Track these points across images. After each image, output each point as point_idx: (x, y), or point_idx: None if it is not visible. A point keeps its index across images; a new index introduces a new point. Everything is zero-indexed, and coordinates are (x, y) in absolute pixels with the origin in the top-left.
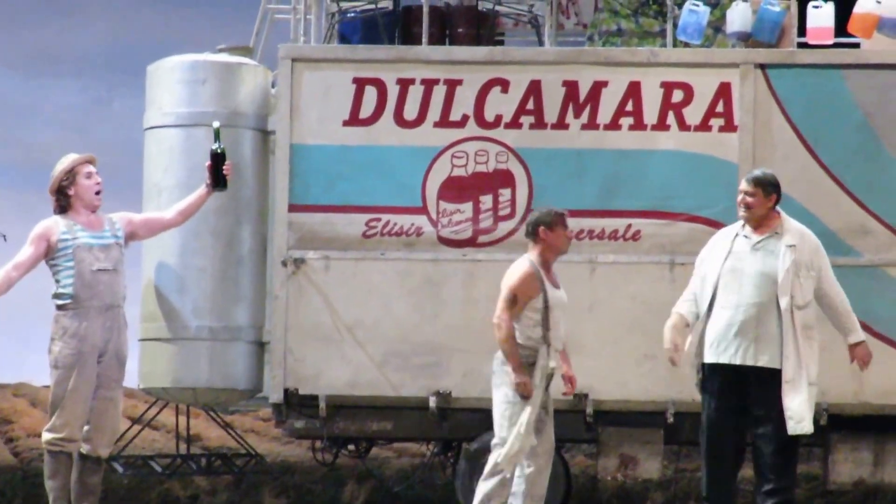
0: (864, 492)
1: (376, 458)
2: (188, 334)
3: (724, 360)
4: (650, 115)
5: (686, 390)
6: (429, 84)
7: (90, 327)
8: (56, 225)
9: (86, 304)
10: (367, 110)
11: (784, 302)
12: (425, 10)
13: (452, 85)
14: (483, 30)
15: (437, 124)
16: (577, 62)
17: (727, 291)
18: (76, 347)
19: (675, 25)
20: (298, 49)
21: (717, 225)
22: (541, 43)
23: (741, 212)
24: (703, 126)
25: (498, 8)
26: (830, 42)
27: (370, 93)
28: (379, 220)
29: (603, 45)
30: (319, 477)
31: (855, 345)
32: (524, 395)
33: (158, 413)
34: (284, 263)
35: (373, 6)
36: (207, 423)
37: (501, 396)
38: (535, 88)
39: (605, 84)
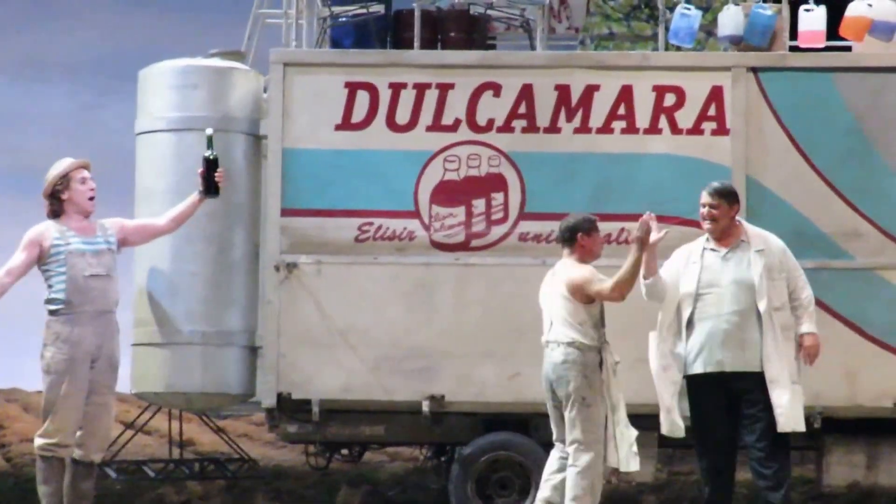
0: (858, 494)
1: (369, 463)
2: (181, 339)
3: (711, 369)
4: (642, 118)
5: (680, 394)
6: (421, 88)
7: (82, 333)
8: (48, 230)
9: (78, 309)
10: (359, 115)
11: (763, 306)
12: (417, 14)
13: (444, 89)
14: (475, 34)
15: (429, 128)
16: (569, 66)
17: (706, 304)
18: (69, 353)
19: (666, 29)
20: (290, 53)
21: None
22: (532, 47)
23: (707, 225)
24: (695, 130)
25: (489, 12)
26: (822, 45)
27: (362, 97)
28: (371, 224)
29: (595, 48)
30: (312, 481)
31: (805, 335)
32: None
33: (151, 418)
34: (277, 268)
35: (364, 10)
36: (200, 427)
37: (579, 400)
38: (526, 92)
39: (596, 88)
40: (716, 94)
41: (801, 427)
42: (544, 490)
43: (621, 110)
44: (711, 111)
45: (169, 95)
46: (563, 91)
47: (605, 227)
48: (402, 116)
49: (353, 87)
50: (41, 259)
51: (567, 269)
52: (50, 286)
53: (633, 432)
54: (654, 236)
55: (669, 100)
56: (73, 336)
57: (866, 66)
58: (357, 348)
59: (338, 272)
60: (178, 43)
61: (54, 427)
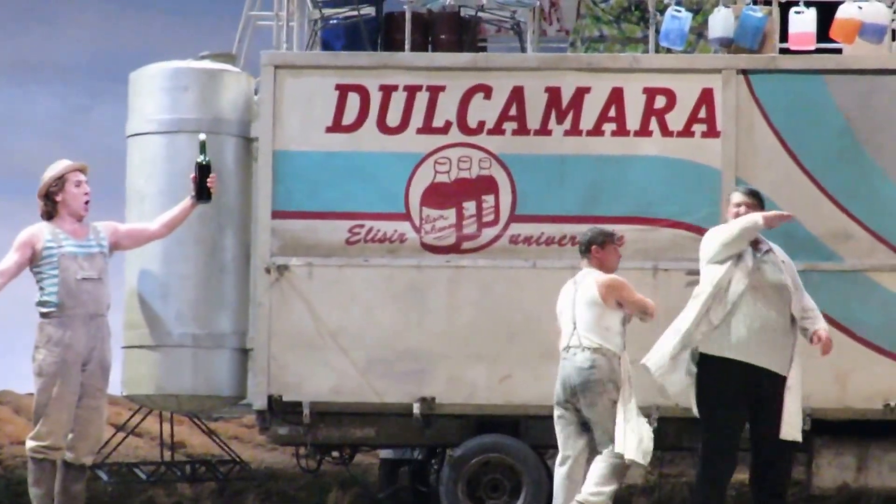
0: (847, 496)
1: (360, 465)
2: (171, 341)
3: (748, 359)
4: (633, 121)
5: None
6: (411, 90)
7: (74, 336)
8: (41, 232)
9: (70, 312)
10: (349, 117)
11: (796, 312)
12: (408, 16)
13: (435, 91)
14: (465, 36)
15: (419, 131)
16: (560, 68)
17: (752, 301)
18: (60, 356)
19: (657, 31)
20: (281, 56)
21: (700, 231)
22: (523, 49)
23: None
24: (686, 132)
25: (480, 14)
26: (812, 47)
27: (353, 99)
28: (362, 226)
29: (585, 51)
30: (303, 484)
31: (821, 329)
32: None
33: (142, 420)
34: (268, 270)
35: (355, 13)
36: (191, 430)
37: (607, 404)
38: (517, 95)
39: (587, 90)
40: (706, 97)
41: (798, 438)
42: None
43: (612, 112)
44: (702, 113)
45: (160, 97)
46: (553, 93)
47: None
48: (393, 118)
49: (343, 90)
50: (33, 261)
51: (595, 275)
52: (42, 288)
53: (647, 427)
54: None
55: (660, 102)
56: (65, 339)
57: (857, 69)
58: (348, 350)
59: (329, 274)
60: (170, 45)
61: (46, 430)
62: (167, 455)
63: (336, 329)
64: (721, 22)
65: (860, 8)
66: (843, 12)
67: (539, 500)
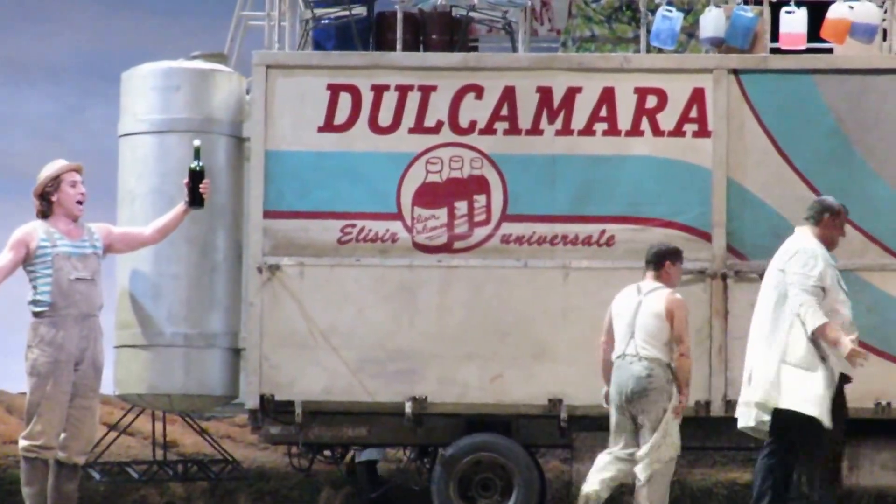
0: (840, 494)
1: (352, 463)
2: (163, 341)
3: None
4: (624, 120)
5: None
6: (403, 90)
7: (67, 336)
8: (35, 231)
9: (63, 312)
10: (341, 117)
11: None
12: (399, 16)
13: (427, 91)
14: (457, 36)
15: (411, 130)
16: (551, 68)
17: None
18: (53, 355)
19: (648, 31)
20: (273, 56)
21: (691, 230)
22: (514, 49)
23: (839, 238)
24: (677, 131)
25: (472, 14)
26: (803, 47)
27: (344, 99)
28: (354, 226)
29: (577, 51)
30: (295, 483)
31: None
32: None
33: (134, 420)
34: (259, 270)
35: (347, 13)
36: (183, 429)
37: (660, 412)
38: (509, 94)
39: (578, 90)
40: (697, 96)
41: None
42: (593, 483)
43: (603, 112)
44: (693, 113)
45: (151, 97)
46: (544, 93)
47: (586, 228)
48: (385, 118)
49: (335, 89)
50: (27, 259)
51: (665, 291)
52: (35, 287)
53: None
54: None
55: (651, 102)
56: (58, 339)
57: (847, 68)
58: (340, 350)
59: (320, 274)
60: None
61: (38, 429)
62: (159, 454)
63: (328, 328)
64: (712, 22)
65: (851, 8)
66: (833, 12)
67: (530, 499)
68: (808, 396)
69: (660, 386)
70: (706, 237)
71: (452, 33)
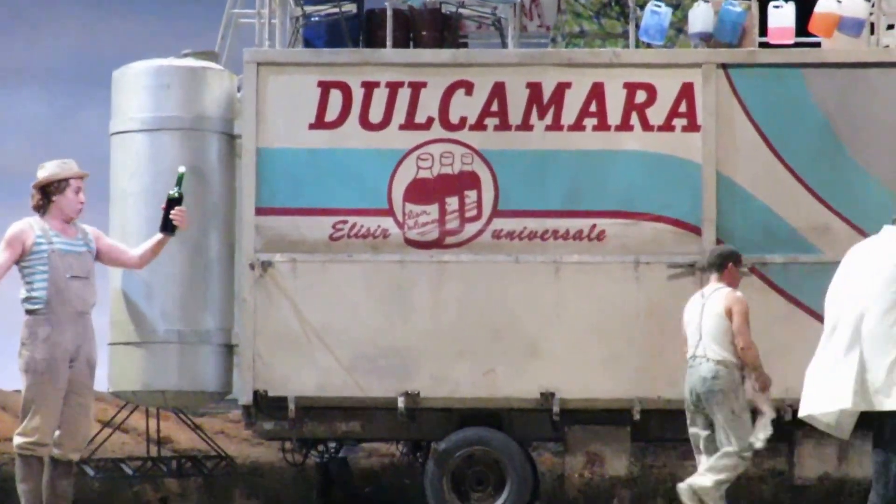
0: (829, 486)
1: (358, 457)
2: (157, 338)
3: None
4: (613, 115)
5: (652, 389)
6: (393, 87)
7: (62, 333)
8: (31, 228)
9: (58, 310)
10: (332, 113)
11: None
12: (389, 13)
13: (417, 87)
14: (447, 33)
15: (402, 127)
16: (541, 64)
17: None
18: (48, 353)
19: (637, 27)
20: (263, 53)
21: (680, 225)
22: (504, 45)
23: None
24: (667, 126)
25: (461, 11)
26: (791, 42)
27: (335, 96)
28: (345, 222)
29: (566, 46)
30: (289, 478)
31: None
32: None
33: (129, 416)
34: (252, 267)
35: (337, 10)
36: (177, 425)
37: (728, 413)
38: (499, 90)
39: (568, 85)
40: (686, 91)
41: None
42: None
43: (593, 107)
44: (682, 108)
45: (143, 96)
46: (534, 89)
47: (577, 223)
48: (376, 115)
49: (326, 87)
50: (22, 256)
51: (725, 291)
52: (29, 283)
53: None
54: None
55: (640, 97)
56: (52, 336)
57: (836, 63)
58: (332, 346)
59: (313, 270)
60: (153, 46)
61: (33, 426)
62: (154, 450)
63: (320, 325)
64: (701, 17)
65: (838, 2)
66: (821, 6)
67: (523, 493)
68: None
69: (726, 387)
70: (696, 231)
71: (442, 30)
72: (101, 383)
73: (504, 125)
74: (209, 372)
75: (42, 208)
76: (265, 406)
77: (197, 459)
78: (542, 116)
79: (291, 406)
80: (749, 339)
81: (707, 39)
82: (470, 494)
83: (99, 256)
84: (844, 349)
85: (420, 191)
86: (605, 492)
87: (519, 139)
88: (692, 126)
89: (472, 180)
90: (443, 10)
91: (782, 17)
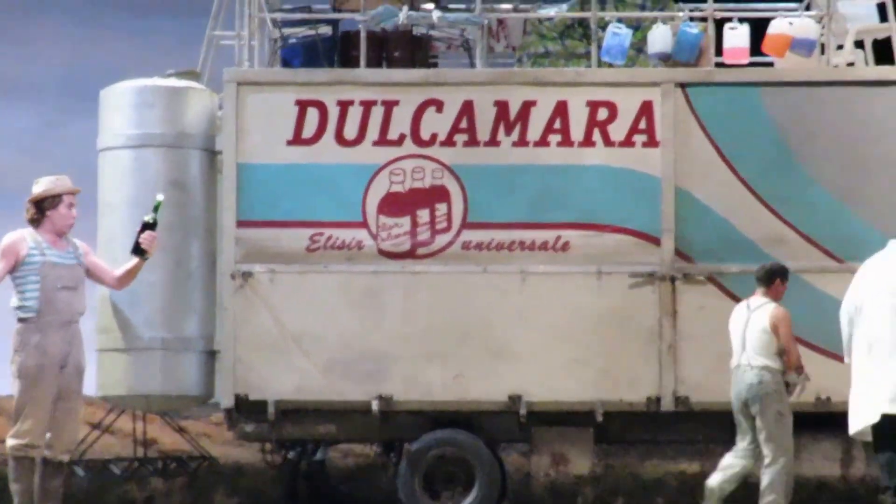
0: None
1: (330, 458)
2: (142, 345)
3: None
4: (577, 132)
5: (614, 392)
6: (367, 105)
7: (51, 341)
8: (24, 240)
9: (48, 318)
10: (309, 130)
11: None
12: (363, 35)
13: (390, 106)
14: (418, 53)
15: (375, 143)
16: (508, 83)
17: None
18: (38, 359)
19: (599, 47)
20: (243, 73)
21: (641, 236)
22: (473, 65)
23: None
24: (627, 142)
25: (432, 32)
26: (746, 61)
27: (312, 114)
28: (322, 234)
29: (531, 66)
30: (269, 478)
31: None
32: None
33: (116, 419)
34: (232, 277)
35: (313, 32)
36: (162, 428)
37: (774, 414)
38: (468, 108)
39: (533, 103)
40: (646, 109)
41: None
42: (717, 477)
43: (557, 124)
44: (642, 124)
45: (128, 113)
46: (502, 106)
47: (542, 234)
48: (350, 132)
49: (303, 105)
50: (15, 266)
51: (771, 306)
52: (21, 292)
53: None
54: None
55: (602, 114)
56: (43, 344)
57: (788, 81)
58: (310, 352)
59: (291, 280)
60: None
61: (25, 429)
62: (140, 452)
63: (298, 332)
64: (660, 38)
65: (790, 24)
66: (774, 28)
67: (492, 491)
68: None
69: (770, 391)
70: (656, 242)
71: (414, 51)
72: (90, 388)
73: (473, 141)
74: (192, 377)
75: (36, 221)
76: (246, 409)
77: (181, 460)
78: (508, 133)
79: (271, 409)
80: (797, 352)
81: (666, 59)
82: (441, 492)
83: (84, 271)
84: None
85: (393, 204)
86: (569, 490)
87: (487, 154)
88: (652, 142)
89: (442, 194)
90: (414, 32)
91: (737, 38)
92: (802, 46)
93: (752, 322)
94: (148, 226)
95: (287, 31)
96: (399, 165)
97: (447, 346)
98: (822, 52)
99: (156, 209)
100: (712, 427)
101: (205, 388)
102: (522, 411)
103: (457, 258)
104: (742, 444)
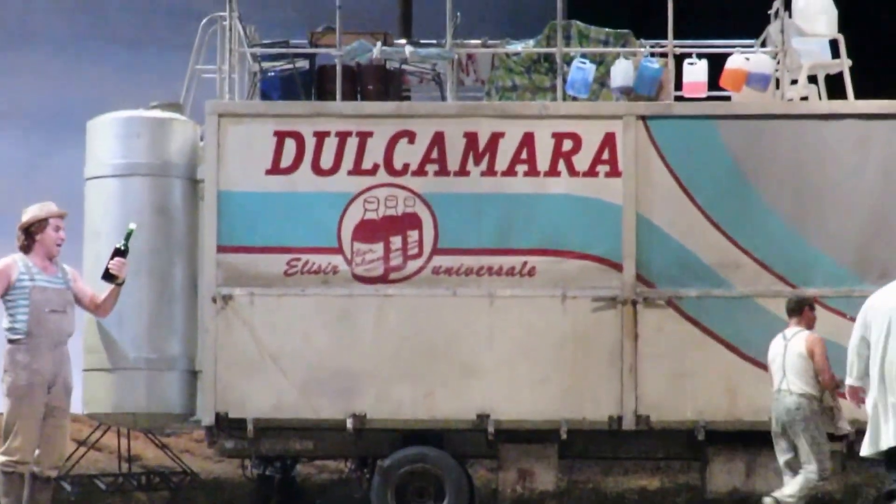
0: (738, 499)
1: (299, 474)
2: (127, 364)
3: None
4: (543, 162)
5: (578, 410)
6: (342, 136)
7: (41, 362)
8: (15, 264)
9: (37, 340)
10: (286, 160)
11: None
12: (338, 69)
13: (364, 136)
14: (391, 86)
15: (350, 172)
16: (477, 115)
17: None
18: (28, 379)
19: (564, 81)
20: (224, 105)
21: (603, 261)
22: (443, 98)
23: None
24: (591, 172)
25: (404, 66)
26: (704, 95)
27: (289, 144)
28: (299, 259)
29: (499, 99)
30: (248, 491)
31: None
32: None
33: (102, 436)
34: (214, 299)
35: (291, 66)
36: (146, 444)
37: (809, 438)
38: (438, 139)
39: (501, 135)
40: (609, 140)
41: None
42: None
43: (524, 155)
44: (605, 155)
45: (114, 144)
46: (471, 138)
47: (509, 260)
48: (326, 161)
49: (281, 136)
50: (6, 290)
51: (805, 334)
52: (12, 315)
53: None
54: None
55: (567, 145)
56: (33, 364)
57: (744, 114)
58: (287, 371)
59: (269, 303)
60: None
61: (15, 446)
62: (125, 467)
63: (276, 352)
64: (622, 72)
65: (747, 59)
66: (731, 63)
67: None
68: None
69: (807, 416)
70: (618, 267)
71: (387, 84)
72: (77, 406)
73: (443, 171)
74: (175, 395)
75: (26, 248)
76: (226, 426)
77: (164, 475)
78: (477, 163)
79: (250, 426)
80: (832, 374)
81: (628, 93)
82: None
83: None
84: None
85: (367, 231)
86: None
87: (457, 183)
88: (614, 171)
89: (414, 221)
90: (387, 66)
91: (696, 73)
92: (758, 81)
93: (789, 349)
94: (119, 252)
95: (266, 64)
96: (373, 194)
97: (418, 365)
98: (777, 86)
99: (127, 237)
100: (671, 444)
101: (187, 405)
102: (490, 429)
103: (428, 282)
104: (782, 460)
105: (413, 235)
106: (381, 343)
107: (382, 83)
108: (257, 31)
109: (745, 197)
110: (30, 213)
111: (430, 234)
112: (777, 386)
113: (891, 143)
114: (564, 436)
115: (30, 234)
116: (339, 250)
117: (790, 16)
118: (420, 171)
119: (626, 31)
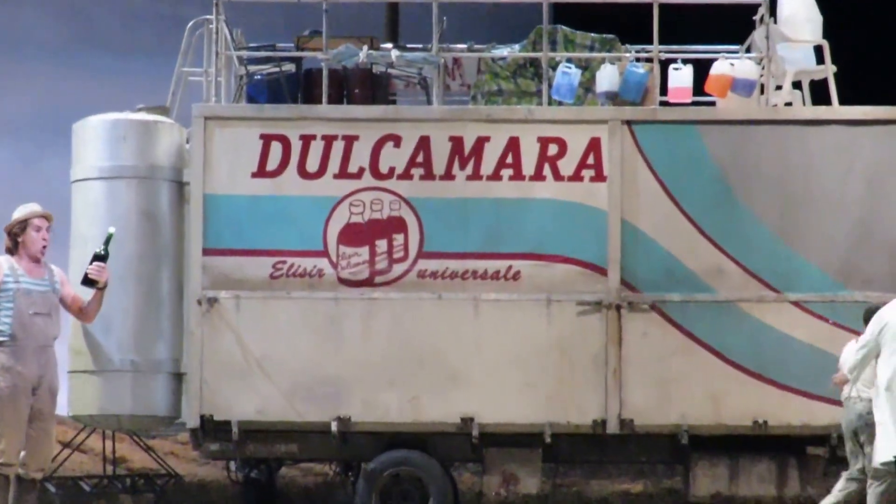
0: (720, 503)
1: (284, 477)
2: (113, 367)
3: None
4: (528, 167)
5: (562, 414)
6: (328, 140)
7: (25, 365)
8: (0, 266)
9: (22, 343)
10: (273, 163)
11: None
12: (325, 73)
13: (350, 140)
14: (377, 91)
15: (336, 176)
16: (462, 119)
17: None
18: (13, 382)
19: (549, 86)
20: (210, 108)
21: (588, 266)
22: (429, 102)
23: None
24: (576, 177)
25: (390, 71)
26: (689, 101)
27: (276, 148)
28: (284, 262)
29: (485, 104)
30: (232, 494)
31: None
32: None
33: (87, 438)
34: (199, 302)
35: (277, 69)
36: (131, 446)
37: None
38: (424, 143)
39: (487, 139)
40: (594, 145)
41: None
42: (834, 496)
43: (509, 159)
44: (590, 160)
45: (100, 146)
46: (456, 142)
47: (494, 264)
48: (312, 165)
49: (267, 139)
50: None
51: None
52: None
53: None
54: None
55: (552, 150)
56: (17, 367)
57: (729, 120)
58: (272, 375)
59: (254, 306)
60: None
61: (0, 448)
62: (110, 469)
63: (261, 355)
64: (607, 77)
65: (732, 65)
66: (716, 69)
67: None
68: None
69: (867, 426)
70: (602, 272)
71: (373, 88)
72: (62, 408)
73: (429, 175)
74: (160, 398)
75: (12, 250)
76: (211, 429)
77: (149, 477)
78: (463, 167)
79: (235, 429)
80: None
81: (613, 98)
82: None
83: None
84: None
85: (352, 234)
86: None
87: (442, 188)
88: (599, 176)
89: (399, 225)
90: (374, 71)
91: (681, 79)
92: (743, 87)
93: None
94: (99, 257)
95: (253, 68)
96: (358, 197)
97: (403, 369)
98: (762, 92)
99: (107, 242)
100: (654, 448)
101: (172, 408)
102: (475, 433)
103: (413, 286)
104: (854, 468)
105: (398, 239)
106: (366, 346)
107: (369, 87)
108: (244, 35)
109: (729, 202)
110: (13, 216)
111: (416, 237)
112: (847, 393)
113: (875, 149)
114: (549, 440)
115: (13, 236)
116: (324, 254)
117: (775, 22)
118: (406, 175)
119: (611, 36)
